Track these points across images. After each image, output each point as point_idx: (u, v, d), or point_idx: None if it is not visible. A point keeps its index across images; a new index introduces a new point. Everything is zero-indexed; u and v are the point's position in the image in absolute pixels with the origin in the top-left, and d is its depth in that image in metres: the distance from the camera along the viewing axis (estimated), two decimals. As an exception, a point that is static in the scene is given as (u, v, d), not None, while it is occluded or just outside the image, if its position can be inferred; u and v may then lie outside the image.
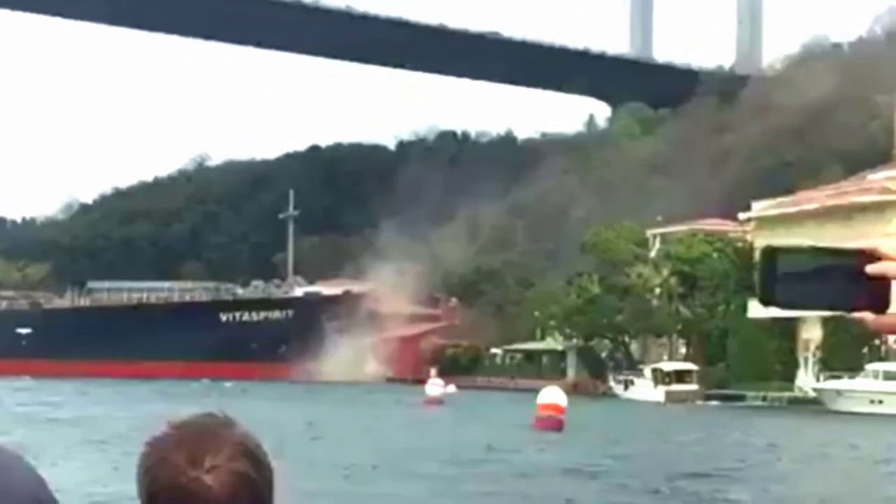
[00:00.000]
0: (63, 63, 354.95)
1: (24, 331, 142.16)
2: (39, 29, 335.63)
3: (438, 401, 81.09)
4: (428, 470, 36.43)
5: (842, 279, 2.25)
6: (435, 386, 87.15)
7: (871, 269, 2.23)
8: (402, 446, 45.12)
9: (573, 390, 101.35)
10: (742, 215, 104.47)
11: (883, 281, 2.24)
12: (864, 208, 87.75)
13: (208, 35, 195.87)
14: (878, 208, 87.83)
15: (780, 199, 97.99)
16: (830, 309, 2.16)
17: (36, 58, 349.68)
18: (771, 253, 2.23)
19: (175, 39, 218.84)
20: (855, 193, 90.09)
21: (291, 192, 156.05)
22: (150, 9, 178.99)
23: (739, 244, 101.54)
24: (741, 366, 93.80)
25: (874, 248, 2.25)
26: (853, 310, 2.26)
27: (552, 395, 61.75)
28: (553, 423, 59.27)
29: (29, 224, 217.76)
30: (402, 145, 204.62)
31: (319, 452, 40.89)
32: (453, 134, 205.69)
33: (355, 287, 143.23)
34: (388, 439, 48.94)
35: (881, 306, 2.27)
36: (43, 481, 2.23)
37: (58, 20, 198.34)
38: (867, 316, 2.27)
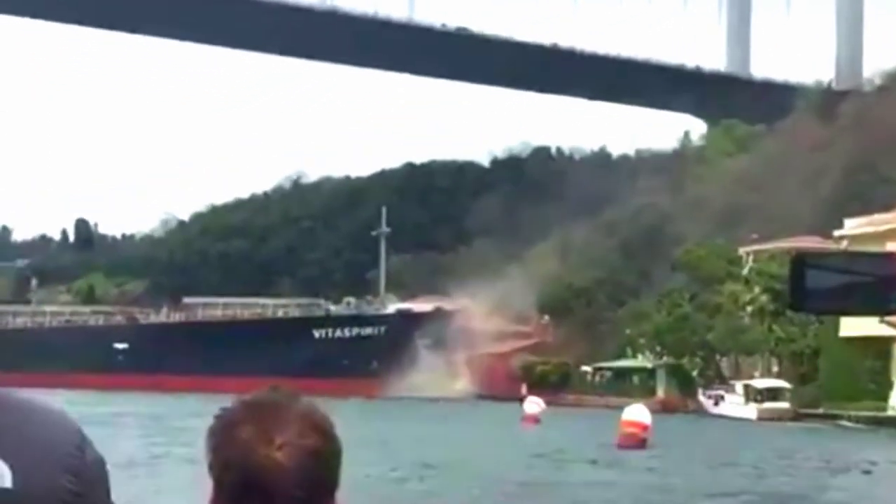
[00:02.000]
0: (164, 82, 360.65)
1: (120, 346, 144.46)
2: (143, 49, 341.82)
3: (536, 419, 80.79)
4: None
5: (873, 284, 2.17)
6: (533, 404, 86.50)
7: None
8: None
9: (662, 408, 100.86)
10: (836, 233, 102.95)
11: None
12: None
13: (308, 54, 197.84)
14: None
15: (873, 217, 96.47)
16: (863, 314, 2.21)
17: (137, 77, 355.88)
18: (800, 260, 2.19)
19: (272, 58, 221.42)
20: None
21: (384, 209, 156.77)
22: (251, 28, 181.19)
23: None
24: (833, 385, 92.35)
25: None
26: (883, 313, 2.17)
27: (636, 412, 61.50)
28: (636, 440, 58.97)
29: (128, 240, 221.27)
30: (495, 162, 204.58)
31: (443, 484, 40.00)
32: (547, 150, 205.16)
33: (447, 304, 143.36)
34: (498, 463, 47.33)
35: None
36: (84, 434, 2.23)
37: (163, 40, 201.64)
38: None
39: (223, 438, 2.41)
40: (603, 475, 44.70)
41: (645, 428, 60.03)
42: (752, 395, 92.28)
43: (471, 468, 44.76)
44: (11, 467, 2.09)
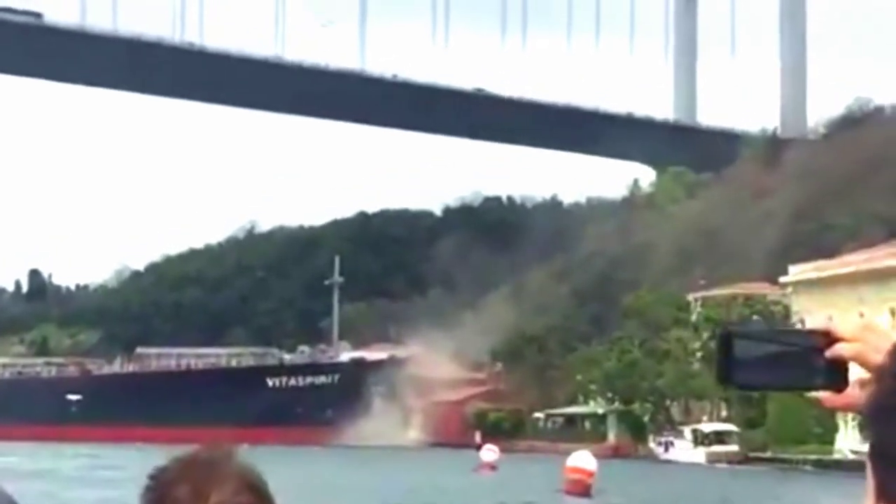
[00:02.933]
0: (116, 133, 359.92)
1: (73, 397, 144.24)
2: (92, 99, 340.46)
3: (492, 466, 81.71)
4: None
5: (799, 360, 2.30)
6: (489, 451, 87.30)
7: (829, 353, 2.28)
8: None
9: (614, 453, 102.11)
10: (782, 279, 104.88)
11: (840, 361, 2.29)
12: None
13: (256, 105, 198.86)
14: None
15: (816, 263, 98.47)
16: (787, 390, 2.39)
17: (88, 127, 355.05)
18: (727, 337, 2.31)
19: (224, 109, 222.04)
20: (889, 256, 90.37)
21: (337, 259, 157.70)
22: (201, 80, 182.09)
23: (777, 307, 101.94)
24: (781, 428, 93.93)
25: (829, 328, 2.31)
26: (810, 389, 2.34)
27: (580, 459, 62.31)
28: (581, 486, 59.96)
29: (82, 291, 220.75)
30: (448, 211, 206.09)
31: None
32: (499, 199, 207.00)
33: (400, 352, 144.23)
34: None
35: (838, 386, 2.32)
36: (14, 501, 2.32)
37: (112, 92, 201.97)
38: (823, 395, 2.34)
39: (157, 497, 2.47)
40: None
41: (590, 474, 60.86)
42: (700, 439, 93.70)
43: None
44: None
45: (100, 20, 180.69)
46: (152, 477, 2.48)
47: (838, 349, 2.27)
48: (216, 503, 2.40)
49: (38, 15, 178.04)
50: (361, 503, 48.24)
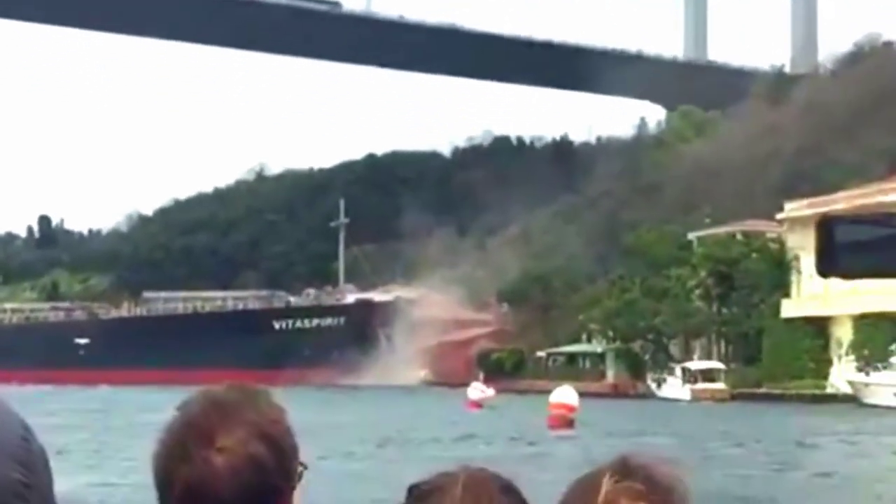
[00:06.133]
0: (124, 77, 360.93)
1: (81, 341, 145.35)
2: (99, 43, 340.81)
3: (478, 404, 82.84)
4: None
5: None
6: (475, 389, 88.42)
7: None
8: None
9: (613, 391, 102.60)
10: (778, 216, 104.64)
11: None
12: (893, 207, 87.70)
13: (266, 48, 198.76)
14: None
15: (810, 200, 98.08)
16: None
17: (97, 72, 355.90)
18: (827, 222, 2.12)
19: (233, 52, 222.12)
20: (881, 193, 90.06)
21: (342, 201, 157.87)
22: (210, 23, 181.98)
23: (774, 245, 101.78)
24: (775, 365, 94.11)
25: None
26: None
27: (563, 394, 63.24)
28: (564, 421, 60.66)
29: (95, 236, 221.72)
30: (457, 152, 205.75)
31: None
32: (508, 139, 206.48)
33: (407, 293, 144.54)
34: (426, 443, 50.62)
35: None
36: (27, 425, 2.19)
37: (118, 36, 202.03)
38: None
39: (170, 434, 2.36)
40: (522, 451, 46.82)
41: (572, 409, 61.69)
42: (688, 376, 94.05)
43: (403, 447, 47.62)
44: None
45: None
46: (177, 409, 2.37)
47: None
48: (221, 447, 2.30)
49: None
50: (335, 439, 48.65)
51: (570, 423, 60.42)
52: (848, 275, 2.18)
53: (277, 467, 2.35)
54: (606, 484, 2.22)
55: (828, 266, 1.97)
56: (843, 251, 2.14)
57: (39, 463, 2.17)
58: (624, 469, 2.24)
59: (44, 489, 2.17)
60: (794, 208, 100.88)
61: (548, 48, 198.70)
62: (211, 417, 2.33)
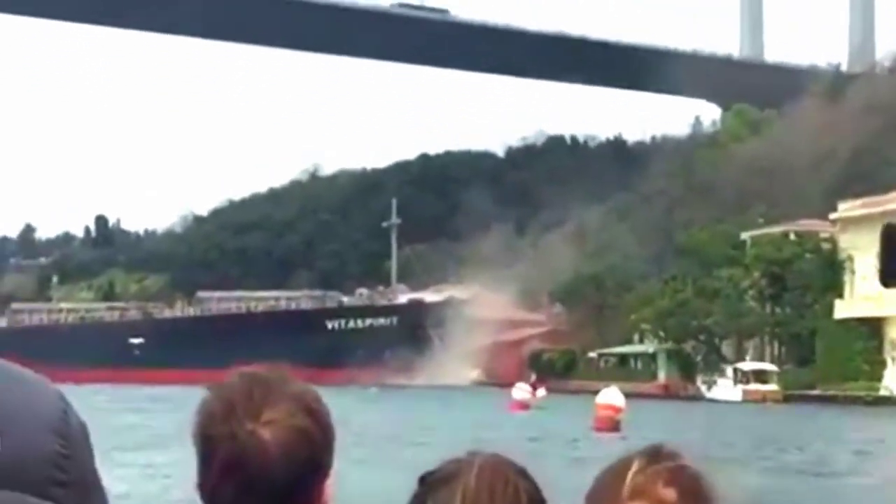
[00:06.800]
0: (180, 78, 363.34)
1: (136, 340, 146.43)
2: (160, 47, 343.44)
3: (523, 405, 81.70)
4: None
5: None
6: (520, 390, 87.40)
7: None
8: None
9: (664, 392, 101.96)
10: (831, 216, 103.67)
11: None
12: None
13: (321, 48, 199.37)
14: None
15: (864, 200, 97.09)
16: None
17: (154, 74, 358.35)
18: (891, 231, 2.10)
19: (288, 53, 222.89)
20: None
21: (394, 201, 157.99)
22: (266, 23, 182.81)
23: (826, 245, 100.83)
24: (828, 366, 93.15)
25: None
26: None
27: (610, 395, 62.76)
28: (610, 423, 60.14)
29: (151, 236, 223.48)
30: (510, 151, 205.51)
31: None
32: (562, 139, 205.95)
33: (460, 293, 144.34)
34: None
35: None
36: (66, 399, 2.22)
37: (175, 37, 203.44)
38: None
39: (211, 410, 2.38)
40: (568, 452, 46.31)
41: (618, 410, 61.17)
42: (740, 377, 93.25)
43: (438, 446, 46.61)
44: (1, 432, 2.07)
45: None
46: (211, 389, 2.41)
47: None
48: (268, 420, 2.32)
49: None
50: (373, 437, 48.54)
51: (616, 426, 59.83)
52: None
53: (323, 442, 2.38)
54: (636, 466, 2.24)
55: (892, 274, 1.98)
56: None
57: (79, 436, 2.19)
58: (656, 455, 2.26)
59: (84, 461, 2.18)
60: (847, 208, 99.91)
61: (602, 47, 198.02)
62: (254, 393, 2.35)
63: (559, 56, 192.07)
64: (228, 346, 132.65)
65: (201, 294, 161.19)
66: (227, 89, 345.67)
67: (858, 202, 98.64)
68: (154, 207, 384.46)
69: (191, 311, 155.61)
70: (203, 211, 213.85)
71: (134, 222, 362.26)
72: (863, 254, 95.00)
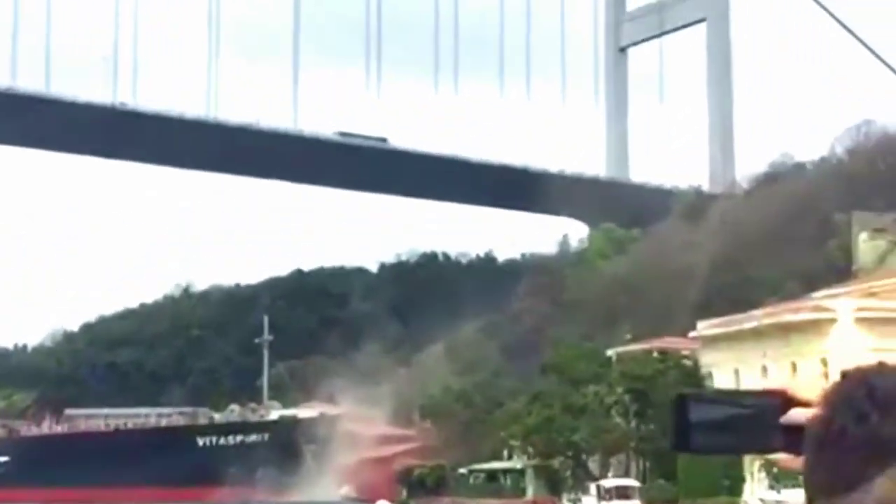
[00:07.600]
0: (51, 195, 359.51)
1: (1, 458, 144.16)
2: (28, 161, 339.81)
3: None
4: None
5: (756, 423, 2.26)
6: None
7: (784, 420, 2.29)
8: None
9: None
10: (691, 334, 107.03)
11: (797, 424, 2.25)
12: (800, 327, 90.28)
13: (190, 164, 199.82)
14: (815, 327, 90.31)
15: (721, 319, 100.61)
16: (745, 453, 2.40)
17: (27, 189, 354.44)
18: (683, 400, 2.29)
19: (158, 169, 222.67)
20: (790, 312, 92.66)
21: (265, 318, 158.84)
22: (134, 140, 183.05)
23: (688, 362, 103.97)
24: (690, 481, 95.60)
25: (786, 389, 2.33)
26: (768, 452, 2.32)
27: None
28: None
29: (20, 351, 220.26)
30: (383, 267, 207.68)
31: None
32: (434, 255, 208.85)
33: (332, 409, 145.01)
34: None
35: (797, 448, 2.26)
36: None
37: (43, 152, 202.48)
38: (782, 457, 2.33)
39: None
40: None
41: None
42: (603, 494, 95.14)
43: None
44: None
45: (32, 82, 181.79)
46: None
47: (794, 415, 2.30)
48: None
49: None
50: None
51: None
52: (700, 451, 2.37)
53: None
54: None
55: (682, 442, 2.37)
56: (696, 428, 2.34)
57: None
58: None
59: None
60: (705, 327, 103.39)
61: (472, 167, 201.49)
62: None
63: (431, 175, 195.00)
64: (97, 464, 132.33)
65: (70, 411, 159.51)
66: (98, 205, 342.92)
67: (717, 321, 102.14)
68: (24, 323, 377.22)
69: (58, 429, 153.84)
70: (74, 326, 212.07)
71: (3, 337, 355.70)
72: (721, 371, 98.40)
